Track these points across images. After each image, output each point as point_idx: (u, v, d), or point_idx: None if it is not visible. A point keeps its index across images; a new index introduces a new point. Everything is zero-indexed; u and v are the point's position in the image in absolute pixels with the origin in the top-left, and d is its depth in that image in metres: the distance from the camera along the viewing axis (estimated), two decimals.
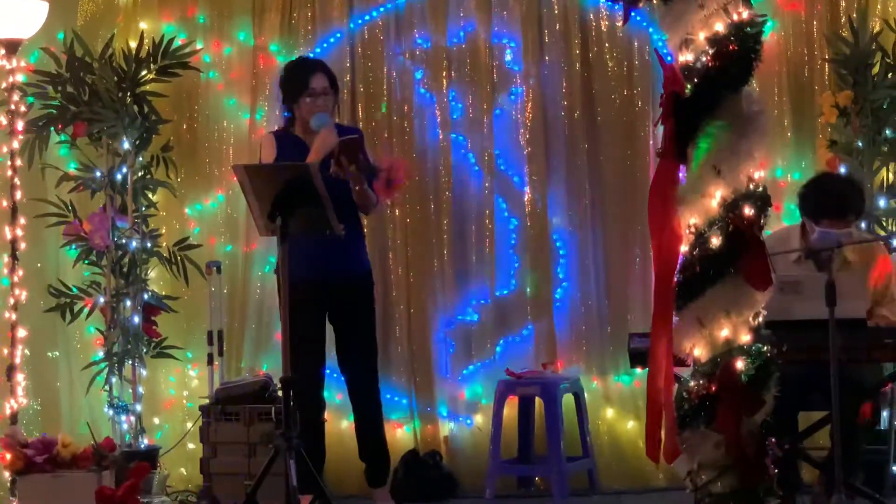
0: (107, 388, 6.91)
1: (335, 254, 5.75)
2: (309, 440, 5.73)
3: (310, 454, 5.62)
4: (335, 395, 6.61)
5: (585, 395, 6.69)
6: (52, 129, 6.99)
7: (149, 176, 7.06)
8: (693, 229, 4.23)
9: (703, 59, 4.18)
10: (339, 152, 5.55)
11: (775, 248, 4.82)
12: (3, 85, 6.70)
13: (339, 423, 6.67)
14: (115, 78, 6.93)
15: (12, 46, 6.65)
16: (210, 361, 6.76)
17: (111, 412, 6.89)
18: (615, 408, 6.84)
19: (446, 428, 6.90)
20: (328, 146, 5.64)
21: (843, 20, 6.68)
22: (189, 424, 6.91)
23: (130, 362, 6.91)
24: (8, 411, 6.55)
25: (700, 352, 4.22)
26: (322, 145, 5.65)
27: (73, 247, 6.99)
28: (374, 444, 5.98)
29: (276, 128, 6.55)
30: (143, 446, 6.80)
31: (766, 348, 4.21)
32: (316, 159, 5.59)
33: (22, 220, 6.69)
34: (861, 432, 5.40)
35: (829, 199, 5.43)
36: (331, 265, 5.76)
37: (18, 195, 6.67)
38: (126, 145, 6.92)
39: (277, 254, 5.20)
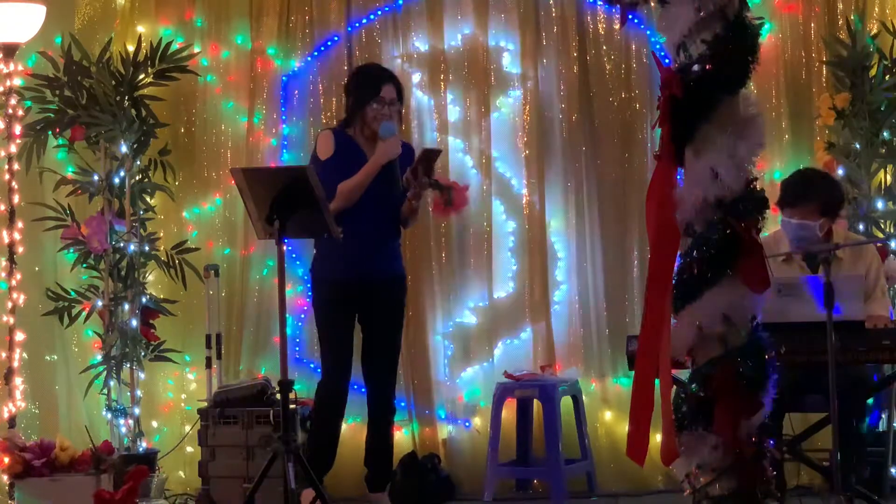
0: (105, 391, 6.91)
1: (373, 255, 5.82)
2: (324, 442, 5.78)
3: (322, 456, 5.67)
4: None
5: (584, 397, 6.70)
6: (50, 132, 7.00)
7: (146, 179, 7.06)
8: (691, 231, 4.23)
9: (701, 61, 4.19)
10: (419, 161, 5.66)
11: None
12: (1, 89, 6.69)
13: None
14: (113, 81, 6.93)
15: (10, 50, 6.64)
16: (208, 364, 6.76)
17: (109, 415, 6.89)
18: (613, 410, 6.84)
19: (445, 430, 6.90)
20: (390, 156, 5.77)
21: (840, 22, 6.69)
22: (187, 428, 6.91)
23: (129, 366, 6.91)
24: (6, 415, 6.55)
25: (698, 354, 4.23)
26: (384, 154, 5.76)
27: (71, 250, 6.99)
28: (382, 452, 6.00)
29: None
30: (141, 449, 6.80)
31: (763, 351, 4.21)
32: (375, 167, 5.74)
33: (20, 224, 6.68)
34: (863, 432, 5.41)
35: (789, 189, 5.49)
36: (368, 266, 5.81)
37: (16, 199, 6.66)
38: (124, 149, 6.92)
39: (277, 255, 5.21)
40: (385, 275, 5.89)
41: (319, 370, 6.04)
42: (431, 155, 5.73)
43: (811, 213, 5.41)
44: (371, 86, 5.89)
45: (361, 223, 5.70)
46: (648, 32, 6.83)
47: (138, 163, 7.01)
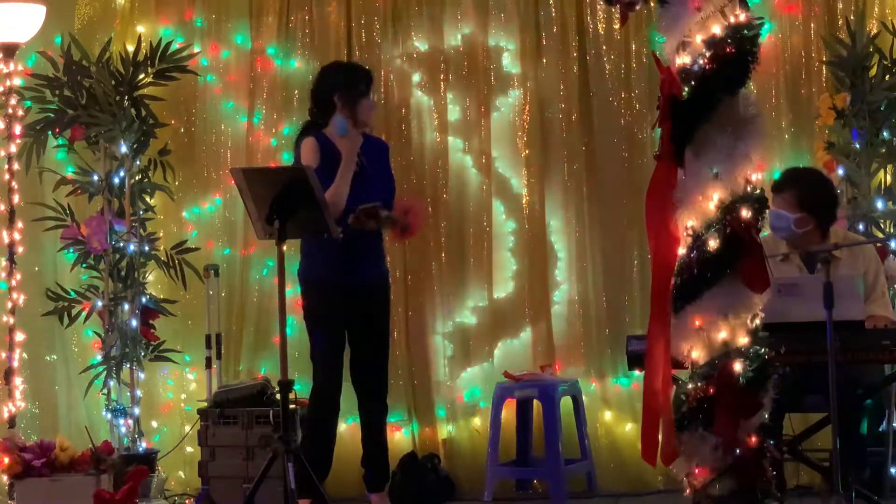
0: (105, 391, 6.91)
1: (357, 256, 5.79)
2: (320, 446, 5.77)
3: (318, 461, 5.65)
4: None
5: (584, 397, 6.69)
6: (50, 132, 7.00)
7: (146, 179, 7.06)
8: (690, 232, 4.24)
9: (701, 61, 4.19)
10: (356, 221, 5.57)
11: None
12: (1, 89, 6.69)
13: (338, 427, 6.66)
14: (113, 81, 6.93)
15: (10, 50, 6.65)
16: (208, 365, 6.76)
17: (109, 416, 6.89)
18: (613, 410, 6.84)
19: (444, 431, 6.90)
20: (354, 150, 5.72)
21: (840, 22, 6.68)
22: (187, 428, 6.91)
23: (128, 366, 6.91)
24: (6, 415, 6.55)
25: (698, 354, 4.23)
26: (350, 153, 5.71)
27: (71, 250, 6.99)
28: (378, 452, 5.99)
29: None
30: (141, 450, 6.80)
31: (763, 350, 4.22)
32: (349, 167, 5.69)
33: (20, 224, 6.69)
34: (864, 433, 5.41)
35: (778, 177, 5.50)
36: (352, 268, 5.79)
37: (16, 199, 6.67)
38: (124, 149, 6.92)
39: (277, 255, 5.20)
40: (373, 275, 5.87)
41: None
42: (367, 212, 5.60)
43: (789, 203, 5.41)
44: (362, 82, 5.89)
45: (343, 225, 5.66)
46: (648, 33, 6.83)
47: (138, 163, 7.01)
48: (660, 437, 4.34)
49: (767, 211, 5.30)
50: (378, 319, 5.93)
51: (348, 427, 6.54)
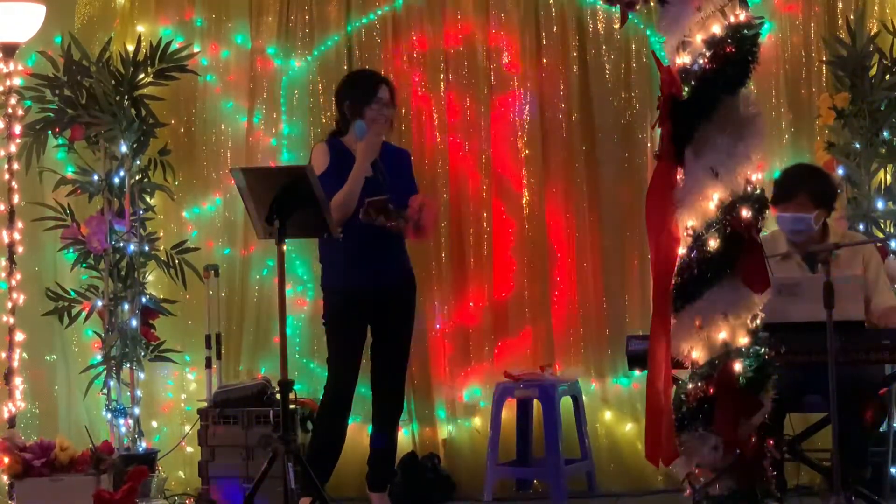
0: (105, 391, 6.91)
1: (380, 258, 5.79)
2: (327, 449, 5.77)
3: (323, 463, 5.65)
4: None
5: (584, 397, 6.70)
6: (50, 132, 7.00)
7: (146, 179, 7.06)
8: (691, 231, 4.24)
9: (701, 61, 4.19)
10: (364, 214, 5.56)
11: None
12: (1, 89, 6.69)
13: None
14: (113, 81, 6.93)
15: (10, 50, 6.65)
16: (208, 364, 6.76)
17: (109, 416, 6.89)
18: (613, 410, 6.84)
19: (444, 430, 6.90)
20: (370, 156, 5.68)
21: (840, 22, 6.68)
22: (187, 428, 6.91)
23: (128, 366, 6.91)
24: (6, 415, 6.55)
25: (698, 354, 4.23)
26: (363, 157, 5.68)
27: (71, 250, 6.99)
28: (386, 452, 5.99)
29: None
30: (141, 450, 6.80)
31: (763, 350, 4.22)
32: (361, 171, 5.67)
33: (19, 224, 6.69)
34: (865, 433, 5.40)
35: (779, 184, 5.49)
36: (377, 270, 5.78)
37: (16, 199, 6.67)
38: (124, 149, 6.92)
39: (277, 255, 5.20)
40: (395, 276, 5.86)
41: (325, 376, 5.98)
42: (376, 205, 5.57)
43: (804, 205, 5.41)
44: (367, 88, 5.86)
45: (361, 228, 5.66)
46: (648, 32, 6.83)
47: (138, 162, 7.01)
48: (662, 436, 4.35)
49: (779, 217, 5.34)
50: (399, 321, 5.91)
51: (350, 427, 6.53)
